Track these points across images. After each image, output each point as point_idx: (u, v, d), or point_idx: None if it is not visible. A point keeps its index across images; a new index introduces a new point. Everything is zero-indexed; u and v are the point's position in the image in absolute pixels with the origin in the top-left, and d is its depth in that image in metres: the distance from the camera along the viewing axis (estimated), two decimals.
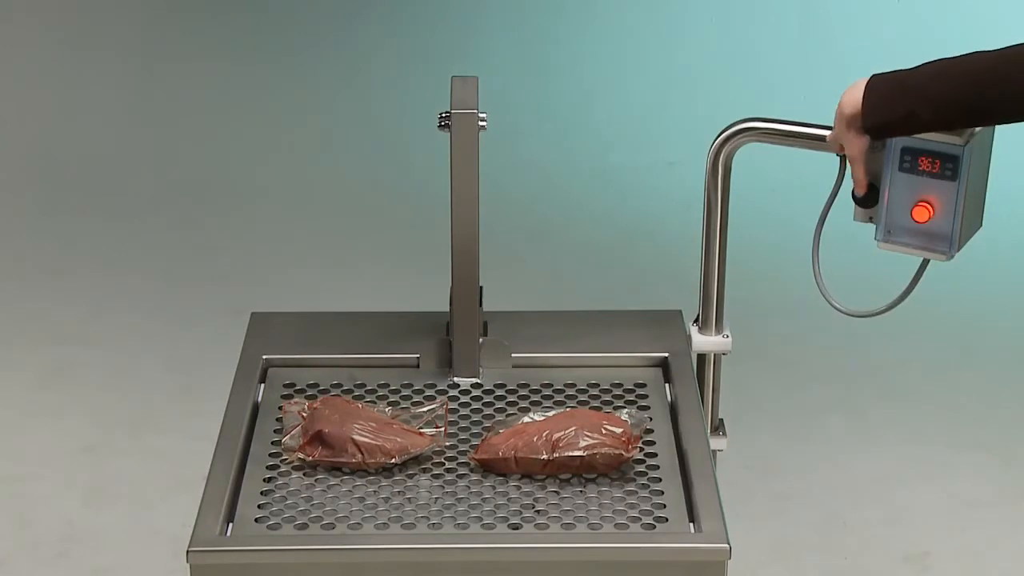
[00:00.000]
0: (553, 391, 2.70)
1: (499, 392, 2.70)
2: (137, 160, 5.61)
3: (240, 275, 4.96)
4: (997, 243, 4.75)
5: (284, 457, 2.51)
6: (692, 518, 2.38)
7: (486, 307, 2.76)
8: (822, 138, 2.62)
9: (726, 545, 2.30)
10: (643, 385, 2.72)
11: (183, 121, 5.74)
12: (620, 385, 2.72)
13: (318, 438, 2.47)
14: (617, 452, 2.43)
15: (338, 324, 2.88)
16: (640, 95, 5.70)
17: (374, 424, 2.48)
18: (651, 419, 2.61)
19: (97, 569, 3.68)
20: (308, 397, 2.67)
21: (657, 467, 2.49)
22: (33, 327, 4.69)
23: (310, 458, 2.47)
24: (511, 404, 2.66)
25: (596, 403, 2.66)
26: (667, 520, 2.37)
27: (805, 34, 5.69)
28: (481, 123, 2.58)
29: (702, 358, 2.87)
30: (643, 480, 2.46)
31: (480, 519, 2.37)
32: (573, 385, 2.72)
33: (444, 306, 2.77)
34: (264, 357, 2.77)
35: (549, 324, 2.88)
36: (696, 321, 2.86)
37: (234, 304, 4.56)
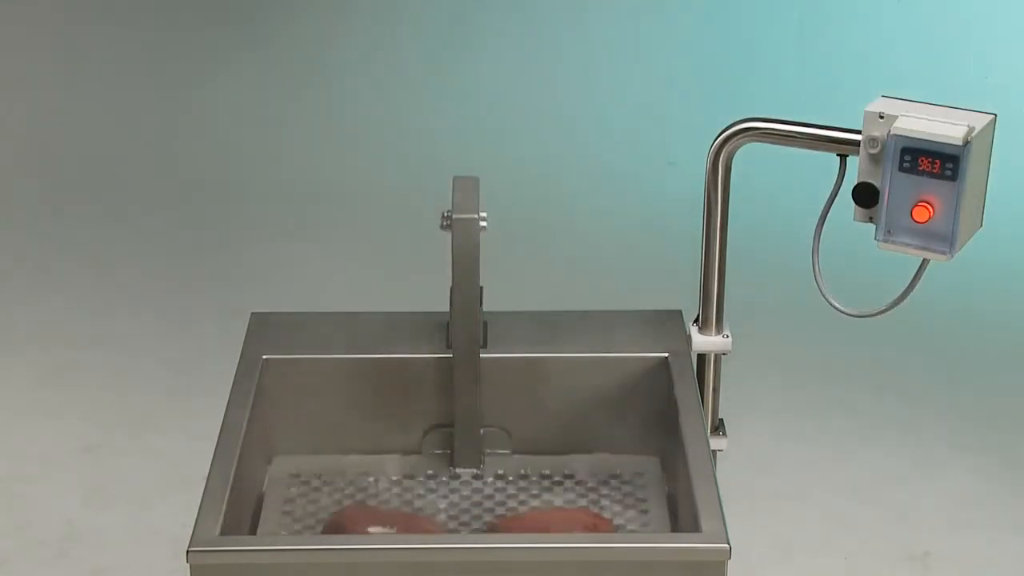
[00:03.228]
0: (552, 483, 2.72)
1: (499, 484, 2.72)
2: (137, 160, 5.60)
3: (240, 275, 4.96)
4: (997, 243, 4.75)
5: None
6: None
7: (486, 307, 2.77)
8: (822, 138, 2.62)
9: (726, 545, 2.30)
10: (641, 475, 2.74)
11: (184, 121, 5.74)
12: (619, 476, 2.73)
13: None
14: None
15: (338, 324, 2.88)
16: (640, 95, 5.70)
17: (395, 520, 2.53)
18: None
19: (97, 569, 3.68)
20: (316, 490, 2.70)
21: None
22: (33, 327, 4.69)
23: None
24: (511, 496, 2.68)
25: (595, 495, 2.68)
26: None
27: (805, 34, 5.69)
28: (482, 224, 2.59)
29: (702, 358, 2.87)
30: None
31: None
32: (572, 476, 2.73)
33: (444, 306, 2.77)
34: (264, 357, 2.78)
35: (549, 324, 2.88)
36: (696, 321, 2.86)
37: (234, 304, 4.56)
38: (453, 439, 2.75)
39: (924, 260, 2.55)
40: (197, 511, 2.37)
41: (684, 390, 2.68)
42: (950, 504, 3.92)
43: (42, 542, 3.77)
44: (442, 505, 2.66)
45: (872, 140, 2.50)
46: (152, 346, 4.58)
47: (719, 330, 2.84)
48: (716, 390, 2.90)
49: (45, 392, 4.37)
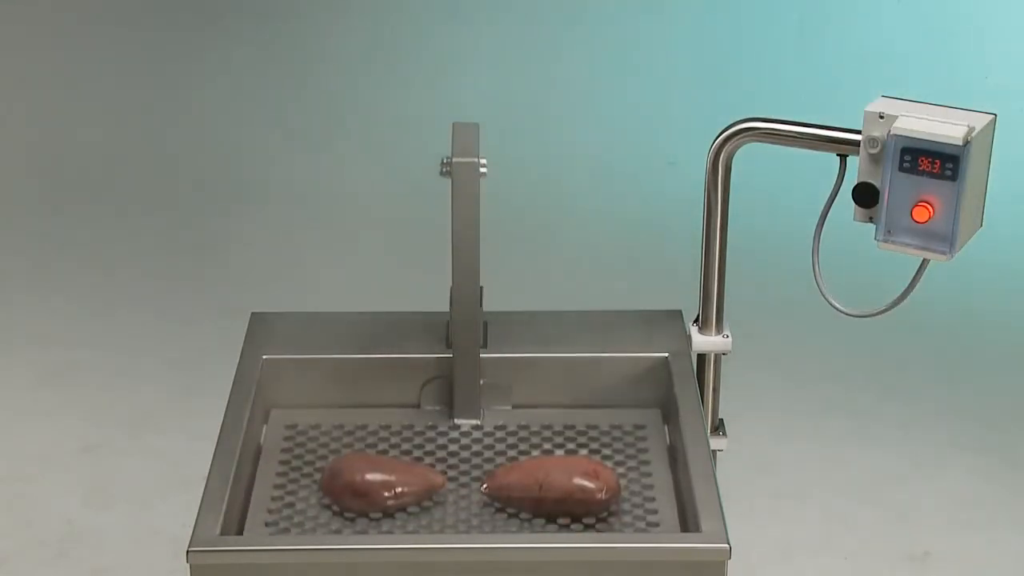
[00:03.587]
0: (553, 433, 2.72)
1: (499, 434, 2.72)
2: (138, 160, 5.60)
3: (240, 275, 4.96)
4: (997, 243, 4.75)
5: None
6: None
7: (486, 307, 2.77)
8: (822, 138, 2.62)
9: (726, 545, 2.30)
10: (642, 427, 2.73)
11: (184, 121, 5.74)
12: (619, 427, 2.73)
13: (349, 489, 2.48)
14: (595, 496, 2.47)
15: (338, 324, 2.88)
16: (640, 95, 5.70)
17: (396, 468, 2.52)
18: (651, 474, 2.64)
19: (97, 569, 3.69)
20: (313, 439, 2.69)
21: (656, 511, 2.50)
22: (33, 327, 4.69)
23: (346, 507, 2.50)
24: (511, 447, 2.68)
25: (595, 445, 2.68)
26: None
27: (805, 34, 5.69)
28: (482, 170, 2.59)
29: (702, 358, 2.87)
30: (641, 525, 2.47)
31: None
32: (572, 427, 2.73)
33: (444, 306, 2.77)
34: (264, 357, 2.78)
35: (549, 324, 2.88)
36: (696, 321, 2.86)
37: (234, 304, 4.56)
38: (452, 391, 2.75)
39: (924, 260, 2.55)
40: (197, 511, 2.37)
41: (684, 390, 2.68)
42: (950, 504, 3.92)
43: (42, 542, 3.77)
44: (441, 455, 2.65)
45: (872, 140, 2.51)
46: (152, 346, 4.58)
47: (719, 330, 2.84)
48: (716, 390, 2.90)
49: (45, 392, 4.37)
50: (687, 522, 2.46)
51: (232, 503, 2.43)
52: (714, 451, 2.80)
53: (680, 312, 2.92)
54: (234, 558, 2.30)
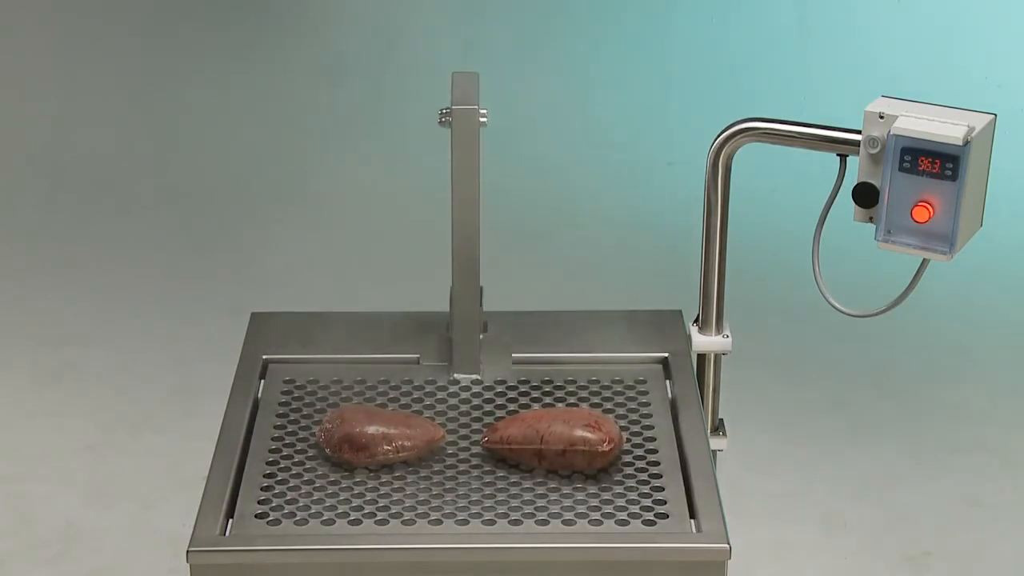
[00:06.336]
0: (554, 387, 2.71)
1: (499, 388, 2.71)
2: (138, 159, 5.61)
3: (240, 275, 4.96)
4: (997, 243, 4.76)
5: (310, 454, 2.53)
6: (692, 516, 2.39)
7: (486, 307, 2.77)
8: (822, 138, 2.62)
9: (726, 545, 2.30)
10: (643, 382, 2.72)
11: (185, 121, 5.74)
12: (621, 382, 2.72)
13: (348, 440, 2.48)
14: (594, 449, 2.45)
15: (338, 324, 2.88)
16: (640, 95, 5.70)
17: (395, 420, 2.51)
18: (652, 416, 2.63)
19: (97, 569, 3.69)
20: (311, 393, 2.68)
21: (658, 463, 2.50)
22: (34, 327, 4.69)
23: (345, 460, 2.49)
24: (511, 401, 2.67)
25: (596, 399, 2.67)
26: (668, 516, 2.38)
27: (804, 34, 5.70)
28: (482, 119, 2.59)
29: (702, 358, 2.87)
30: (644, 476, 2.47)
31: (480, 515, 2.38)
32: (574, 382, 2.72)
33: (444, 306, 2.77)
34: (264, 357, 2.78)
35: (549, 324, 2.88)
36: (696, 321, 2.86)
37: (234, 304, 4.56)
38: (451, 347, 2.74)
39: (924, 260, 2.55)
40: (197, 511, 2.37)
41: (684, 390, 2.68)
42: (950, 504, 3.92)
43: (42, 542, 3.77)
44: (441, 408, 2.65)
45: (872, 140, 2.51)
46: (152, 346, 4.58)
47: (719, 330, 2.84)
48: (716, 390, 2.90)
49: (46, 392, 4.37)
50: (689, 478, 2.46)
51: (232, 503, 2.42)
52: (714, 451, 2.80)
53: (680, 312, 2.92)
54: (234, 558, 2.31)
